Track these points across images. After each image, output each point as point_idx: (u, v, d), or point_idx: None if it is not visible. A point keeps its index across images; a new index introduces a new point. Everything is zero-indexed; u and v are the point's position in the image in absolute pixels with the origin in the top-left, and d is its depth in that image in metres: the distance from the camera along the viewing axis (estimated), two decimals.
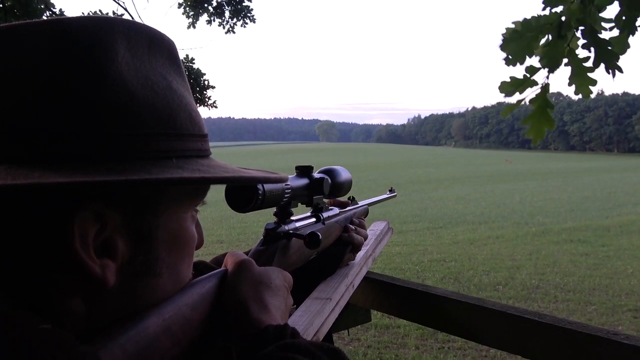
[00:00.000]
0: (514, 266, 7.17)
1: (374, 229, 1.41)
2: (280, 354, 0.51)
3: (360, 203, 1.17)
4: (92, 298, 0.46)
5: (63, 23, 0.45)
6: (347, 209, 1.08)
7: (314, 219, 0.90)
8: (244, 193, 0.67)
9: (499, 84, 1.85)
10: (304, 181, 0.85)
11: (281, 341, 0.53)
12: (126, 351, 0.44)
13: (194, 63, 8.03)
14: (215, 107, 8.39)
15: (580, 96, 1.82)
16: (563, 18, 1.77)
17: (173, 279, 0.53)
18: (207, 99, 8.20)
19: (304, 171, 0.88)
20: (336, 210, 1.01)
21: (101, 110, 0.44)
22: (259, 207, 0.68)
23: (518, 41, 1.80)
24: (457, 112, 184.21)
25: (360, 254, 1.14)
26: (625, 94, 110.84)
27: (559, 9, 1.80)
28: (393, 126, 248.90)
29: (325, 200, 0.97)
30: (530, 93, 1.84)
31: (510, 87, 1.82)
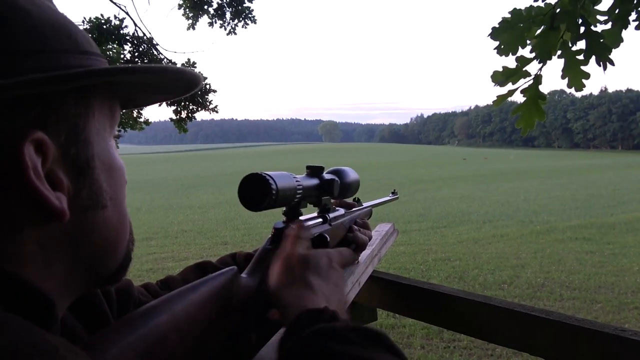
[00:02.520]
0: (519, 265, 7.14)
1: (379, 230, 1.42)
2: (312, 344, 0.49)
3: (365, 204, 1.17)
4: (46, 237, 0.44)
5: None
6: (352, 210, 1.09)
7: (320, 220, 0.90)
8: (258, 192, 0.67)
9: (491, 73, 1.85)
10: (314, 181, 0.85)
11: (316, 326, 0.51)
12: (136, 350, 0.44)
13: (195, 67, 8.04)
14: (217, 111, 8.37)
15: (573, 90, 1.81)
16: (558, 10, 1.76)
17: (117, 209, 0.52)
18: (208, 103, 8.21)
19: (314, 171, 0.87)
20: (342, 211, 1.01)
21: (7, 31, 0.41)
22: (272, 205, 0.68)
23: (510, 31, 1.80)
24: (460, 110, 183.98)
25: (365, 253, 1.15)
26: (629, 90, 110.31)
27: (552, 0, 1.80)
28: (396, 126, 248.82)
29: (332, 201, 0.97)
30: (522, 84, 1.83)
31: (502, 76, 1.81)
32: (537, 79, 1.81)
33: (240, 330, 0.60)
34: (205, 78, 8.08)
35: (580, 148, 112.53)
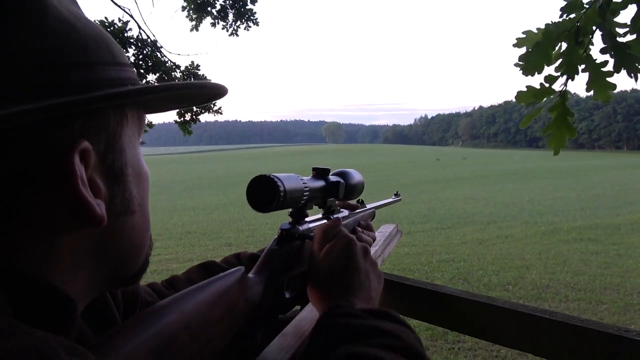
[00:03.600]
0: (524, 266, 7.12)
1: (383, 231, 1.43)
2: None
3: (368, 206, 1.18)
4: (78, 242, 0.45)
5: None
6: (356, 211, 1.09)
7: (325, 221, 0.90)
8: (266, 193, 0.67)
9: (515, 95, 1.82)
10: (320, 183, 0.86)
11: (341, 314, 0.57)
12: (148, 349, 0.45)
13: (199, 69, 8.06)
14: (220, 113, 8.41)
15: (590, 94, 1.78)
16: (578, 24, 1.74)
17: (143, 215, 0.53)
18: (212, 105, 8.23)
19: (320, 173, 0.88)
20: (346, 212, 1.02)
21: (54, 42, 0.42)
22: (280, 207, 0.69)
23: (537, 51, 1.76)
24: (464, 111, 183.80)
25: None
26: (634, 90, 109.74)
27: (573, 15, 1.77)
28: (400, 127, 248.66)
29: (336, 202, 0.98)
30: (549, 102, 1.81)
31: (528, 97, 1.78)
32: (564, 95, 1.78)
33: (246, 330, 0.61)
34: (209, 80, 8.10)
35: (585, 148, 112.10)
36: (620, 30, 1.68)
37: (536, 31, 1.77)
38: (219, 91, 0.54)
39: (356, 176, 1.00)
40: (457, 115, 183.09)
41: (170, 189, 23.33)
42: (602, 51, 1.68)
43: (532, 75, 1.79)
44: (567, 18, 1.76)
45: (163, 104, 0.57)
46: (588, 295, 5.70)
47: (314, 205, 0.88)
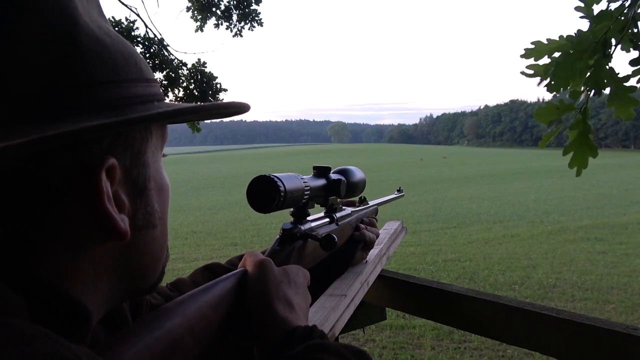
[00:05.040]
0: (530, 265, 7.09)
1: (387, 229, 1.42)
2: (309, 355, 0.51)
3: (371, 203, 1.17)
4: (101, 255, 0.45)
5: None
6: (358, 208, 1.08)
7: (327, 220, 0.90)
8: (267, 194, 0.67)
9: (535, 111, 1.71)
10: (321, 182, 0.85)
11: (311, 341, 0.54)
12: (153, 352, 0.45)
13: (206, 67, 8.07)
14: None
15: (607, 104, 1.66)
16: (606, 34, 1.61)
17: (163, 228, 0.54)
18: None
19: (321, 172, 0.87)
20: (348, 210, 1.01)
21: (89, 62, 0.43)
22: (280, 207, 0.69)
23: (562, 64, 1.63)
24: (470, 110, 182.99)
25: (374, 252, 1.15)
26: None
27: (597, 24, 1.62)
28: (405, 126, 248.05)
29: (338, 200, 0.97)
30: (567, 120, 1.68)
31: (547, 115, 1.65)
32: (585, 112, 1.66)
33: (248, 330, 0.61)
34: (216, 77, 8.11)
35: None
36: None
37: (546, 42, 1.67)
38: (242, 109, 0.55)
39: (358, 174, 0.99)
40: (463, 114, 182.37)
41: (176, 189, 23.39)
42: (633, 63, 1.55)
43: (558, 92, 1.66)
44: (597, 28, 1.62)
45: (187, 119, 0.58)
46: (595, 295, 5.67)
47: (316, 204, 0.87)
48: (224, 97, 8.31)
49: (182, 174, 35.75)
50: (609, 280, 6.21)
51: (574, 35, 1.64)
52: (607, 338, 0.72)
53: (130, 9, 7.22)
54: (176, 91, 7.90)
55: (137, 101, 0.46)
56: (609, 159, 45.38)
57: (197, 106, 0.49)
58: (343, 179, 0.89)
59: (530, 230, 9.97)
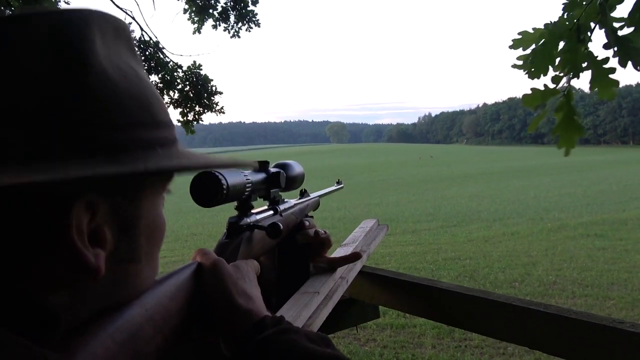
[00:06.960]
0: (530, 262, 7.09)
1: (363, 227, 1.47)
2: (281, 337, 0.54)
3: (312, 195, 1.21)
4: (78, 288, 0.46)
5: (51, 17, 0.44)
6: (300, 200, 1.12)
7: (272, 212, 0.94)
8: (209, 188, 0.69)
9: (522, 98, 1.80)
10: (261, 175, 0.88)
11: (281, 326, 0.56)
12: (115, 340, 0.46)
13: (201, 69, 8.09)
14: (223, 112, 8.43)
15: (595, 90, 1.75)
16: (577, 21, 1.71)
17: (150, 264, 0.55)
18: (214, 105, 8.25)
19: (261, 166, 0.91)
20: (292, 202, 1.05)
21: (92, 104, 0.44)
22: (222, 201, 0.71)
23: (540, 52, 1.73)
24: (468, 108, 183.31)
25: (349, 250, 1.18)
26: (639, 85, 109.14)
27: (572, 12, 1.74)
28: (404, 125, 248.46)
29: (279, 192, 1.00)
30: (553, 103, 1.78)
31: (534, 100, 1.75)
32: (568, 94, 1.76)
33: (211, 327, 0.62)
34: (212, 80, 8.13)
35: (591, 144, 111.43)
36: (617, 25, 1.66)
37: (532, 31, 1.74)
38: (246, 165, 0.56)
39: (296, 167, 1.04)
40: (461, 112, 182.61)
41: (175, 191, 23.28)
42: (606, 46, 1.64)
43: (538, 78, 1.76)
44: (569, 15, 1.73)
45: (178, 173, 0.60)
46: (595, 292, 5.67)
47: (259, 198, 0.90)
48: (219, 100, 8.33)
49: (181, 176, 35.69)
50: (609, 277, 6.21)
51: (550, 22, 1.73)
52: (595, 332, 0.72)
53: (125, 12, 7.24)
54: (171, 93, 7.92)
55: (137, 146, 0.46)
56: (608, 156, 45.44)
57: (202, 164, 0.52)
58: (282, 171, 0.92)
59: (530, 228, 9.98)
